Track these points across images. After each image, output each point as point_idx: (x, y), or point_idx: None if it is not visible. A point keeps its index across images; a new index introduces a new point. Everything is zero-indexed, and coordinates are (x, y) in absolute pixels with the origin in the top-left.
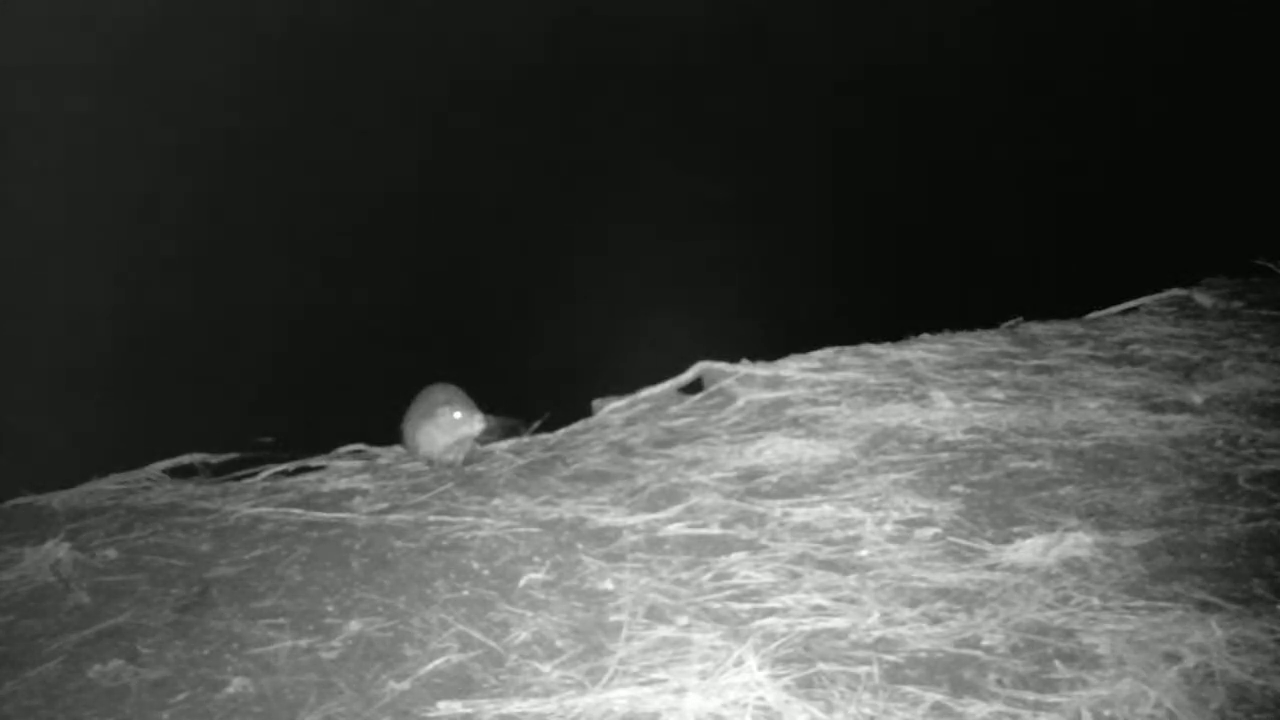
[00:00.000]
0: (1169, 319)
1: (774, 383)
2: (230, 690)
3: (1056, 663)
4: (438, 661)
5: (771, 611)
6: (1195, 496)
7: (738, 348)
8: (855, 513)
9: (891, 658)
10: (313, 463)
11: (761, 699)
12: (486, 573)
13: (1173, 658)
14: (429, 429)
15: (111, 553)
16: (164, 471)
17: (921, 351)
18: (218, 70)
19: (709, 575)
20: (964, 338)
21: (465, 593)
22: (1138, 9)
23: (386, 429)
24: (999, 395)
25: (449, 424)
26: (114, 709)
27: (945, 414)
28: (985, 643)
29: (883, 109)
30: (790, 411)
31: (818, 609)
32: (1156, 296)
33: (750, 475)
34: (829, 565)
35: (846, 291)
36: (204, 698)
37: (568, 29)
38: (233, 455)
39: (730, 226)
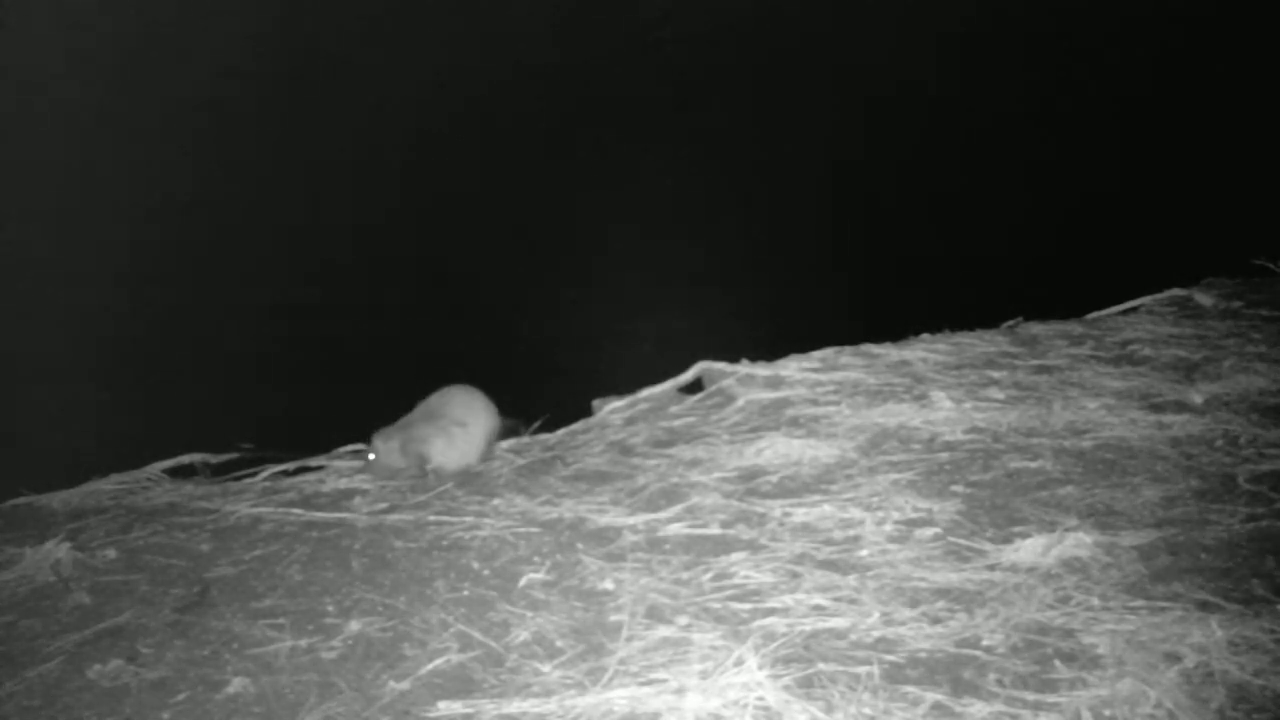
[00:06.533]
0: (1169, 319)
1: (774, 383)
2: (230, 690)
3: (1056, 663)
4: (438, 661)
5: (771, 611)
6: (1195, 496)
7: (738, 348)
8: (855, 513)
9: (891, 658)
10: (313, 463)
11: (761, 699)
12: (486, 573)
13: (1173, 658)
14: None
15: (111, 553)
16: (164, 471)
17: (921, 351)
18: (218, 72)
19: (709, 575)
20: (964, 338)
21: (465, 593)
22: (1138, 10)
23: None
24: (999, 395)
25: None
26: (114, 709)
27: (945, 414)
28: (985, 643)
29: (883, 109)
30: (790, 411)
31: (818, 609)
32: (1156, 296)
33: (750, 475)
34: (829, 565)
35: (846, 291)
36: (204, 698)
37: (569, 30)
38: (233, 455)
39: (730, 227)
